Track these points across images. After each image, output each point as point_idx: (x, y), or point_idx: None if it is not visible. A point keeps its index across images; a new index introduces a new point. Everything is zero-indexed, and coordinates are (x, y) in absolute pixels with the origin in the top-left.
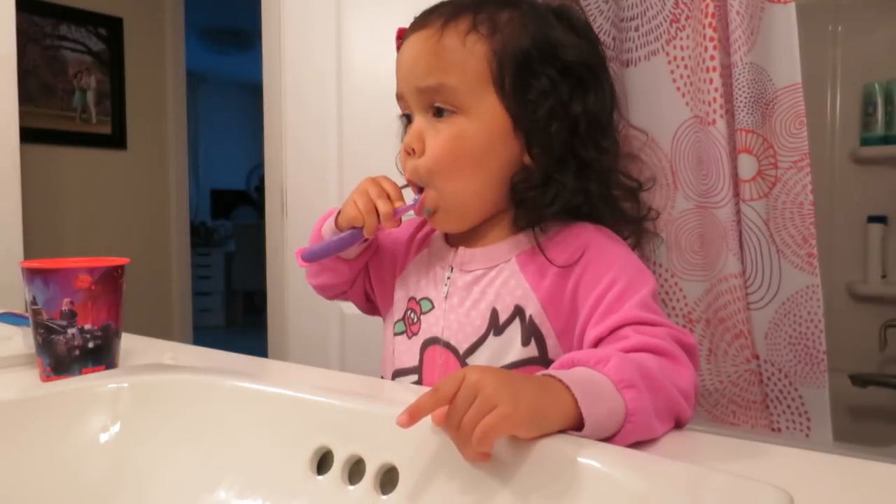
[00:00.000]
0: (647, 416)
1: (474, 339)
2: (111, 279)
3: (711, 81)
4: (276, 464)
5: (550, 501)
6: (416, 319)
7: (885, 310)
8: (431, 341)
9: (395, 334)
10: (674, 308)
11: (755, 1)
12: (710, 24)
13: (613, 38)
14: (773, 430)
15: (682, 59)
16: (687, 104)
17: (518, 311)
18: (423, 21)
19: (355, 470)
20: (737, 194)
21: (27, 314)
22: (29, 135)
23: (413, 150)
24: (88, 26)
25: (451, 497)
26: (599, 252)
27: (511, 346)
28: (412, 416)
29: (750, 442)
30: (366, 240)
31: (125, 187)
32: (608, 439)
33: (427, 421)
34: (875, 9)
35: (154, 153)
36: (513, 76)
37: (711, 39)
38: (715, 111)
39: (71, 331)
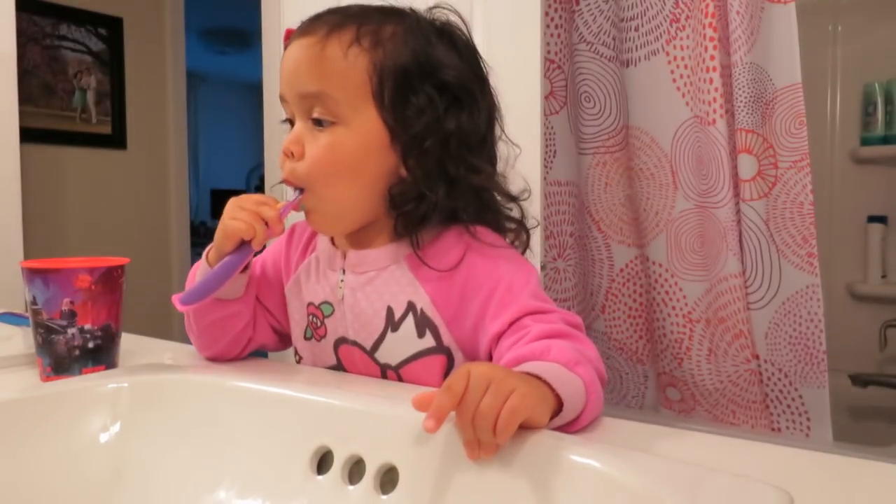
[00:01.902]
0: (597, 386)
1: (376, 336)
2: (111, 279)
3: (711, 81)
4: (276, 464)
5: (550, 501)
6: (320, 324)
7: (885, 310)
8: (341, 341)
9: (306, 339)
10: (674, 308)
11: (755, 1)
12: (710, 24)
13: (613, 38)
14: (773, 430)
15: (682, 59)
16: (687, 104)
17: (410, 307)
18: (308, 27)
19: (355, 470)
20: (737, 194)
21: (27, 314)
22: (29, 135)
23: (292, 153)
24: (88, 26)
25: (451, 497)
26: (481, 251)
27: (409, 340)
28: (437, 418)
29: (750, 442)
30: (246, 268)
31: (125, 187)
32: (577, 418)
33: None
34: (875, 9)
35: (154, 153)
36: (392, 91)
37: (711, 39)
38: (715, 111)
39: (71, 331)
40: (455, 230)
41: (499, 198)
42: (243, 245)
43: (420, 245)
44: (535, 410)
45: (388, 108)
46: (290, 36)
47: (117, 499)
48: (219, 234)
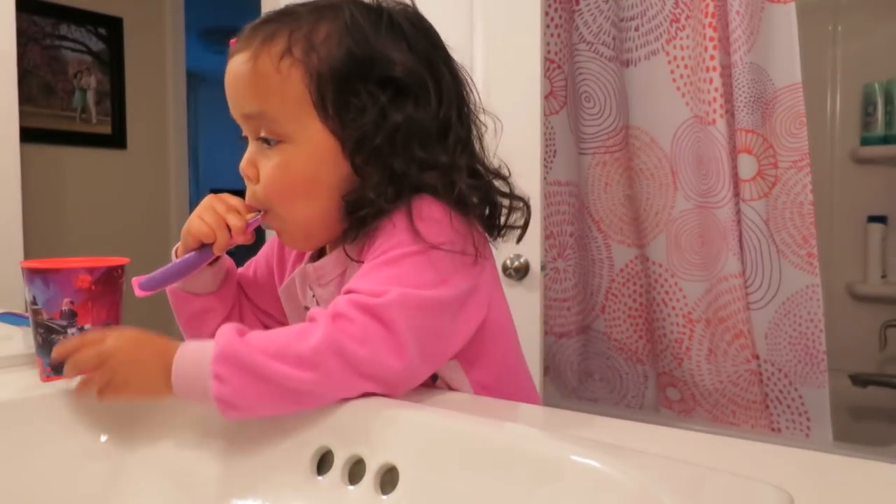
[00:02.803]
0: (236, 397)
1: None
2: (111, 279)
3: (711, 81)
4: (276, 464)
5: (550, 501)
6: None
7: (885, 310)
8: None
9: None
10: (674, 308)
11: (755, 1)
12: (710, 24)
13: (613, 38)
14: (773, 430)
15: (682, 59)
16: (687, 104)
17: None
18: (245, 40)
19: (355, 470)
20: (737, 194)
21: (27, 314)
22: (29, 135)
23: (248, 176)
24: (88, 26)
25: (451, 497)
26: (381, 231)
27: None
28: (59, 354)
29: (750, 442)
30: (214, 259)
31: (125, 187)
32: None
33: (427, 422)
34: (875, 9)
35: (154, 153)
36: (333, 98)
37: (711, 39)
38: (715, 111)
39: (71, 331)
40: (397, 213)
41: (490, 178)
42: (205, 246)
43: (365, 237)
44: (120, 398)
45: (333, 117)
46: (233, 46)
47: (117, 499)
48: (184, 229)
